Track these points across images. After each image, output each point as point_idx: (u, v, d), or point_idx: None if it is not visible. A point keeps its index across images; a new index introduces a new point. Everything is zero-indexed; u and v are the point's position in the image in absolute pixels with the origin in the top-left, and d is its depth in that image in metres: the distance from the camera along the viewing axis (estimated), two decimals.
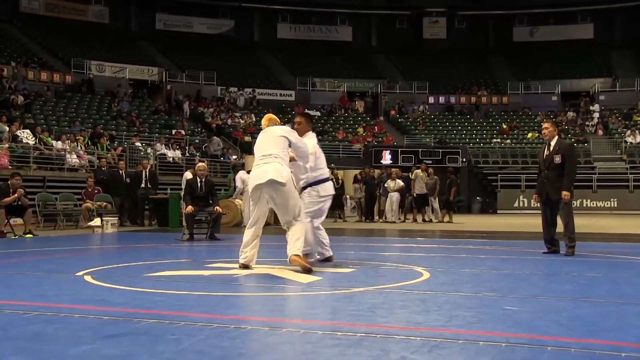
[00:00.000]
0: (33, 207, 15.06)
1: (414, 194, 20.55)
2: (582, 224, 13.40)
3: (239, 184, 17.74)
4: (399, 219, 20.64)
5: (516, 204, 30.52)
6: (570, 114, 39.37)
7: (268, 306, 5.03)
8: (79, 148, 21.30)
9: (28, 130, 20.75)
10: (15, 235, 13.08)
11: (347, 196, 23.31)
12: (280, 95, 41.00)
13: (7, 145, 18.93)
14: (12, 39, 35.88)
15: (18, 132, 20.05)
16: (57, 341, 3.75)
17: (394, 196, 20.24)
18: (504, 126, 38.34)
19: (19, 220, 13.79)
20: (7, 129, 20.07)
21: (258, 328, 4.06)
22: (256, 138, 7.54)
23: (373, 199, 21.38)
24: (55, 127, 24.47)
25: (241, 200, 17.45)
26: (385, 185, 20.53)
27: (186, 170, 19.09)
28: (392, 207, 20.30)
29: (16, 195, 13.20)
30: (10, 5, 38.25)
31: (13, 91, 27.42)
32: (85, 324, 4.31)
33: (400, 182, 20.34)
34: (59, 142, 20.87)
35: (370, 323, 4.22)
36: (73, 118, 27.03)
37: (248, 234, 7.09)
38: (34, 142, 20.09)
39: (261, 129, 7.47)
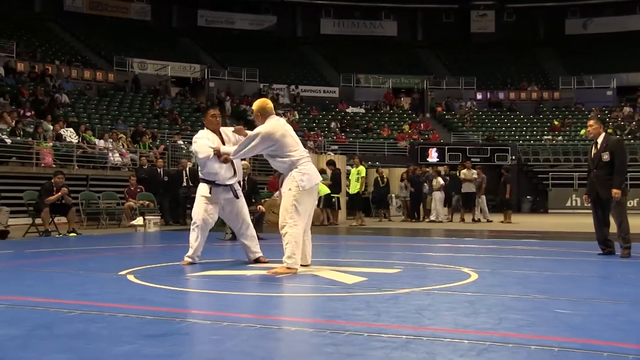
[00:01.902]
0: (76, 205, 15.36)
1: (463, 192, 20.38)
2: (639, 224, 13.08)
3: None
4: (447, 217, 20.47)
5: (568, 203, 30.00)
6: (627, 110, 38.47)
7: (312, 307, 5.04)
8: (121, 146, 21.66)
9: (71, 129, 21.18)
10: (59, 234, 13.38)
11: (393, 195, 23.21)
12: (324, 92, 41.03)
13: (51, 143, 19.35)
14: (56, 38, 36.70)
15: (62, 131, 20.48)
16: (100, 340, 3.81)
17: (437, 195, 20.12)
18: (556, 122, 37.70)
19: (63, 219, 14.09)
20: (51, 127, 20.53)
21: (302, 329, 4.07)
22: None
23: (418, 198, 21.25)
24: (98, 125, 24.94)
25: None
26: (433, 183, 20.44)
27: None
28: (436, 206, 20.17)
29: (60, 193, 13.48)
30: (54, 4, 39.09)
31: (57, 90, 28.02)
32: (128, 323, 4.37)
33: (440, 181, 20.20)
34: (102, 141, 21.25)
35: (417, 325, 4.19)
36: (115, 116, 27.51)
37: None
38: (77, 141, 20.49)
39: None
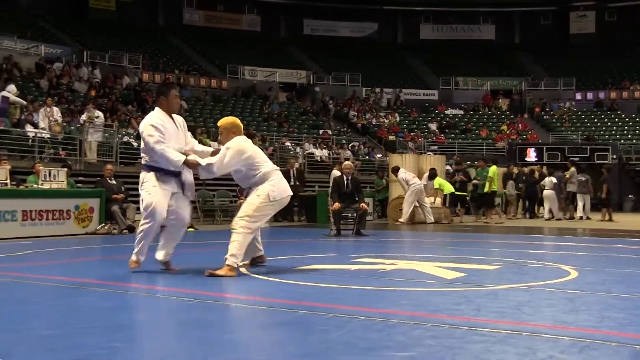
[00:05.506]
0: (193, 203, 15.87)
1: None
2: None
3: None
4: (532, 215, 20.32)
5: None
6: None
7: (413, 301, 4.99)
8: None
9: (189, 133, 21.91)
10: None
11: None
12: (424, 94, 40.65)
13: None
14: (176, 50, 38.18)
15: None
16: (214, 328, 3.92)
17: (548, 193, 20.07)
18: None
19: None
20: None
21: (403, 322, 4.04)
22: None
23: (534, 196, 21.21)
24: (213, 129, 25.69)
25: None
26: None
27: (333, 169, 19.36)
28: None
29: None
30: (175, 19, 40.77)
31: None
32: (239, 313, 4.48)
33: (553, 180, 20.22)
34: (215, 143, 21.88)
35: (516, 321, 4.08)
36: None
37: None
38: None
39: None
